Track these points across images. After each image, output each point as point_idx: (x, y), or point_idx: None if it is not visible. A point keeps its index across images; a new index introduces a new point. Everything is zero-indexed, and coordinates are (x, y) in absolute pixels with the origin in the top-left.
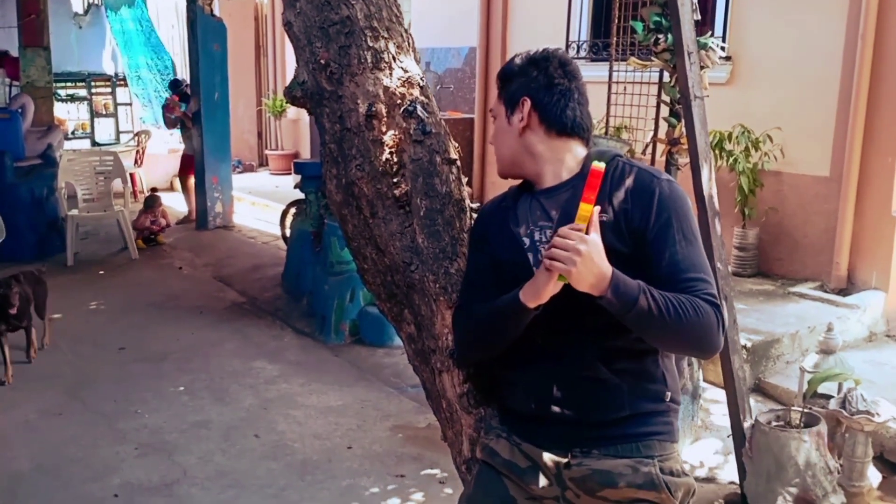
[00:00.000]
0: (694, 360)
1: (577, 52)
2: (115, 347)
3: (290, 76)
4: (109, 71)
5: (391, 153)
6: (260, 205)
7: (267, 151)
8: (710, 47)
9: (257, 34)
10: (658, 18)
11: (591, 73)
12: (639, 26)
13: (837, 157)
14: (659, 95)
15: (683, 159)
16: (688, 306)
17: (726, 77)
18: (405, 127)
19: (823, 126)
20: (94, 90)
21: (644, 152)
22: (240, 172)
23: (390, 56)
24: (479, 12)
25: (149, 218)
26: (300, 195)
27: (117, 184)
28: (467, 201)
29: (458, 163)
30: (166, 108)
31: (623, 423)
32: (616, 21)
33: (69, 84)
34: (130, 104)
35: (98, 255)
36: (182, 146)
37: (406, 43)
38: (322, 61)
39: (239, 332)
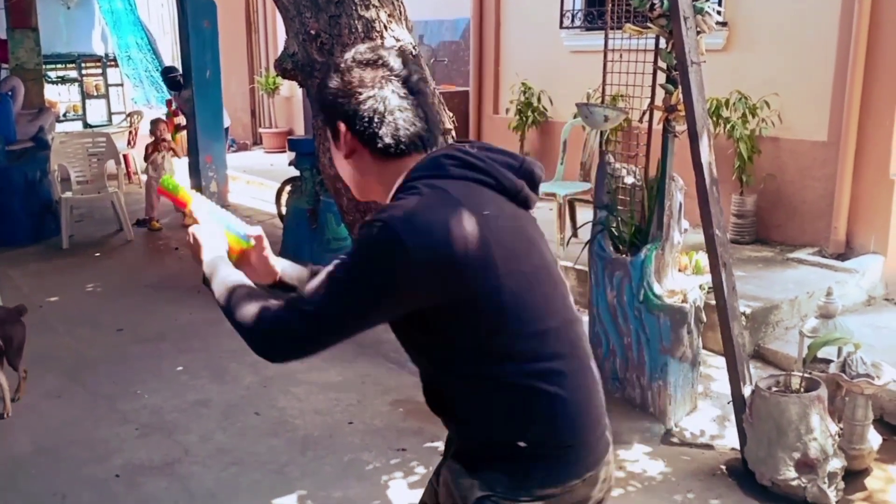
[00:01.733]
0: (694, 327)
1: (572, 21)
2: (114, 329)
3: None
4: (99, 52)
5: None
6: (255, 183)
7: (261, 129)
8: (707, 12)
9: (248, 10)
10: None
11: (586, 43)
12: None
13: (835, 121)
14: (655, 62)
15: (680, 126)
16: (245, 303)
17: (723, 43)
18: None
19: (821, 91)
20: (84, 71)
21: (641, 120)
22: (234, 151)
23: (381, 25)
24: None
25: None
26: (295, 173)
27: (111, 165)
28: None
29: (454, 133)
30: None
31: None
32: None
33: (59, 66)
34: (122, 85)
35: (93, 237)
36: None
37: (398, 11)
38: (312, 32)
39: None
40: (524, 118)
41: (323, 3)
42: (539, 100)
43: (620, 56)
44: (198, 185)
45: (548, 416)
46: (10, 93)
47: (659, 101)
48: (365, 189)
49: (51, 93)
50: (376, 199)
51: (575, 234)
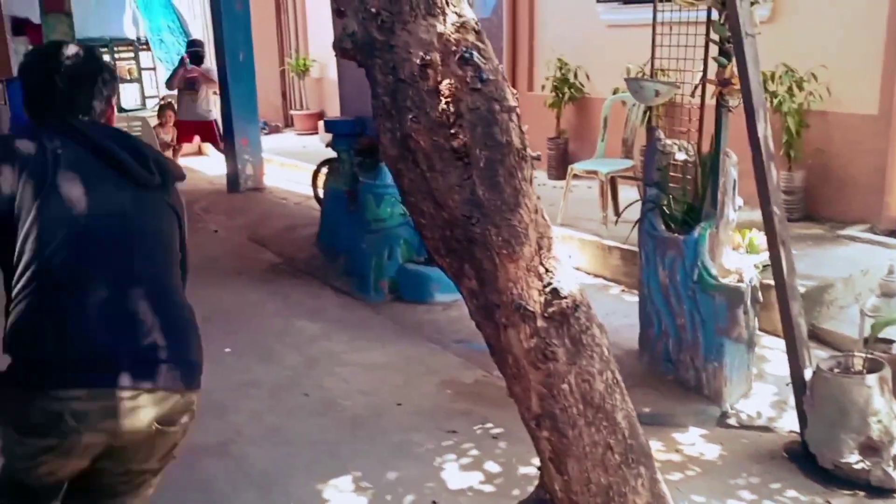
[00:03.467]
0: (750, 308)
1: None
2: None
3: (312, 34)
4: (131, 35)
5: (447, 103)
6: (289, 165)
7: (292, 111)
8: None
9: None
10: None
11: (624, 17)
12: None
13: (886, 94)
14: (707, 35)
15: (734, 101)
16: None
17: (768, 14)
18: (461, 75)
19: (871, 62)
20: (116, 56)
21: (693, 94)
22: (266, 134)
23: (443, 1)
24: None
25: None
26: (330, 154)
27: None
28: (528, 150)
29: (518, 110)
30: (181, 64)
31: None
32: None
33: None
34: (154, 69)
35: None
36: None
37: None
38: (373, 10)
39: (278, 293)
40: (560, 95)
41: None
42: (576, 76)
43: (671, 29)
44: (234, 168)
45: None
46: None
47: (711, 75)
48: None
49: None
50: None
51: (618, 213)
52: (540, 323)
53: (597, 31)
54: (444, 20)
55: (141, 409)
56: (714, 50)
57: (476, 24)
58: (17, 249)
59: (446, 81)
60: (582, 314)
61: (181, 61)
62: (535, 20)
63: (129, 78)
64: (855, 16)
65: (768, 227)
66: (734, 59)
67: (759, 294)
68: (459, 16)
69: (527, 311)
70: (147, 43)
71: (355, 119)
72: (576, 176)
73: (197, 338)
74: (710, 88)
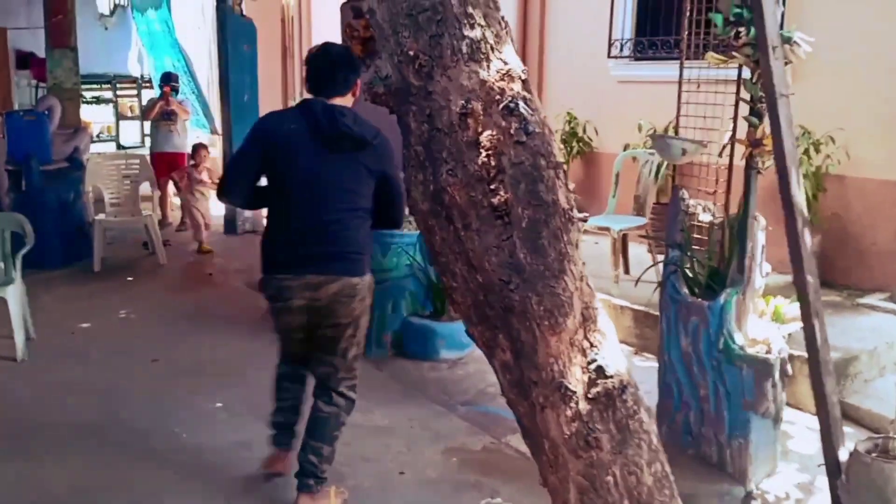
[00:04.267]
0: (778, 381)
1: (621, 50)
2: (148, 359)
3: None
4: (135, 73)
5: (488, 156)
6: None
7: None
8: (795, 42)
9: (283, 36)
10: (739, 10)
11: (636, 73)
12: (718, 19)
13: None
14: (737, 93)
15: (766, 162)
16: None
17: None
18: (505, 126)
19: (890, 126)
20: (119, 92)
21: (721, 154)
22: None
23: (488, 46)
24: (514, 9)
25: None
26: None
27: (144, 187)
28: (574, 211)
29: (565, 167)
30: (162, 97)
31: None
32: (687, 14)
33: (94, 86)
34: None
35: (125, 261)
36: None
37: (504, 31)
38: (410, 53)
39: (275, 344)
40: (569, 148)
41: (423, 21)
42: (584, 130)
43: (698, 86)
44: (232, 210)
45: None
46: (46, 112)
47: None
48: None
49: (85, 113)
50: None
51: (627, 271)
52: (583, 405)
53: (607, 87)
54: (488, 67)
55: (321, 286)
56: (743, 108)
57: (522, 72)
58: (273, 190)
59: (488, 132)
60: (629, 396)
61: (163, 94)
62: (545, 73)
63: (129, 115)
64: (874, 79)
65: (801, 296)
66: (766, 119)
67: (789, 367)
68: (505, 63)
69: (568, 390)
70: (150, 81)
71: None
72: (585, 231)
73: (356, 250)
74: (739, 148)
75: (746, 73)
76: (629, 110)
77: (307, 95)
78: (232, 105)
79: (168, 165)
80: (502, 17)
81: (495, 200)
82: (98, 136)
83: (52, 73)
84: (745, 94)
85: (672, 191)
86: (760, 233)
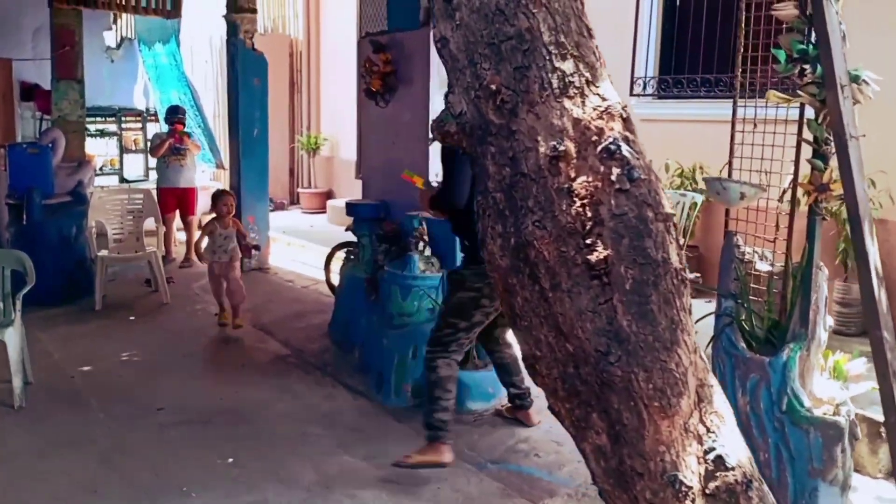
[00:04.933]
0: (847, 445)
1: (644, 88)
2: (153, 407)
3: (325, 112)
4: (140, 106)
5: (583, 206)
6: (296, 245)
7: (299, 189)
8: (864, 80)
9: (291, 70)
10: (803, 47)
11: (659, 111)
12: (781, 55)
13: None
14: (799, 134)
15: (833, 207)
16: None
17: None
18: (604, 172)
19: None
20: (124, 125)
21: (781, 199)
22: (272, 210)
23: (582, 80)
24: None
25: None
26: (347, 237)
27: (148, 222)
28: (686, 272)
29: (674, 219)
30: (171, 134)
31: None
32: (741, 51)
33: (99, 119)
34: None
35: (127, 298)
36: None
37: (599, 63)
38: (492, 87)
39: (287, 391)
40: None
41: (507, 50)
42: None
43: (755, 126)
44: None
45: None
46: (50, 145)
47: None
48: None
49: (89, 146)
50: None
51: None
52: (699, 503)
53: None
54: (583, 103)
55: None
56: (805, 150)
57: (623, 109)
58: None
59: (583, 178)
60: (755, 493)
61: (171, 131)
62: None
63: (133, 148)
64: None
65: (877, 353)
66: (832, 162)
67: (858, 430)
68: (602, 98)
69: (683, 485)
70: (156, 114)
71: (379, 202)
72: None
73: None
74: (802, 192)
75: (809, 113)
76: (653, 150)
77: (315, 130)
78: (241, 139)
79: (178, 200)
80: (596, 47)
81: (592, 257)
82: (101, 169)
83: (57, 106)
84: (807, 135)
85: (725, 237)
86: (824, 283)
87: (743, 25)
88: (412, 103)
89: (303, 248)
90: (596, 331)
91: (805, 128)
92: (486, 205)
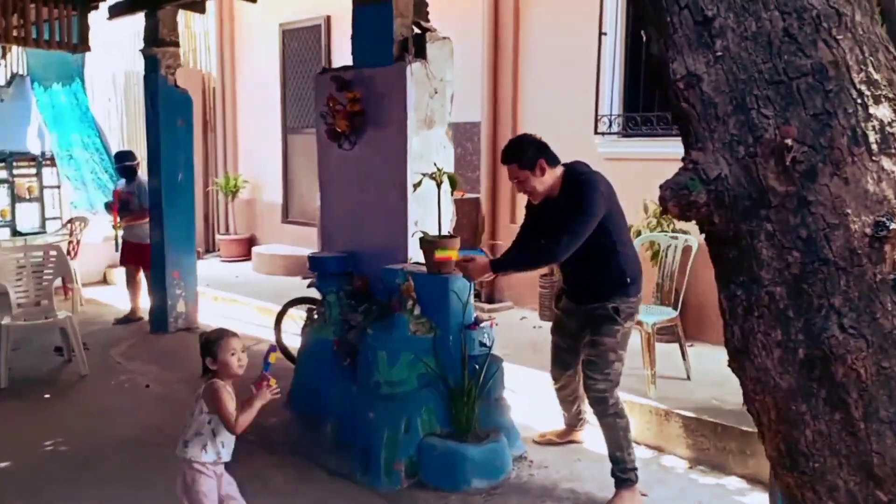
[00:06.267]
0: None
1: (610, 126)
2: None
3: (243, 154)
4: (35, 150)
5: None
6: (224, 300)
7: (218, 236)
8: None
9: (205, 108)
10: None
11: (624, 150)
12: None
13: None
14: None
15: None
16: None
17: None
18: None
19: None
20: (15, 171)
21: None
22: None
23: None
24: (483, 86)
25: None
26: (278, 289)
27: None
28: None
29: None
30: (110, 207)
31: None
32: None
33: None
34: (59, 187)
35: (37, 371)
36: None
37: None
38: (786, 141)
39: (255, 479)
40: None
41: (801, 91)
42: None
43: None
44: (162, 304)
45: None
46: None
47: None
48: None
49: None
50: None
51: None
52: None
53: (593, 164)
54: None
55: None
56: None
57: None
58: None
59: None
60: None
61: (113, 198)
62: None
63: (28, 197)
64: None
65: None
66: None
67: None
68: None
69: None
70: (52, 158)
71: (346, 255)
72: None
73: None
74: None
75: None
76: (621, 189)
77: (232, 172)
78: (164, 185)
79: (136, 255)
80: None
81: None
82: None
83: None
84: None
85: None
86: None
87: None
88: (385, 146)
89: (233, 302)
90: None
91: None
92: (756, 298)
